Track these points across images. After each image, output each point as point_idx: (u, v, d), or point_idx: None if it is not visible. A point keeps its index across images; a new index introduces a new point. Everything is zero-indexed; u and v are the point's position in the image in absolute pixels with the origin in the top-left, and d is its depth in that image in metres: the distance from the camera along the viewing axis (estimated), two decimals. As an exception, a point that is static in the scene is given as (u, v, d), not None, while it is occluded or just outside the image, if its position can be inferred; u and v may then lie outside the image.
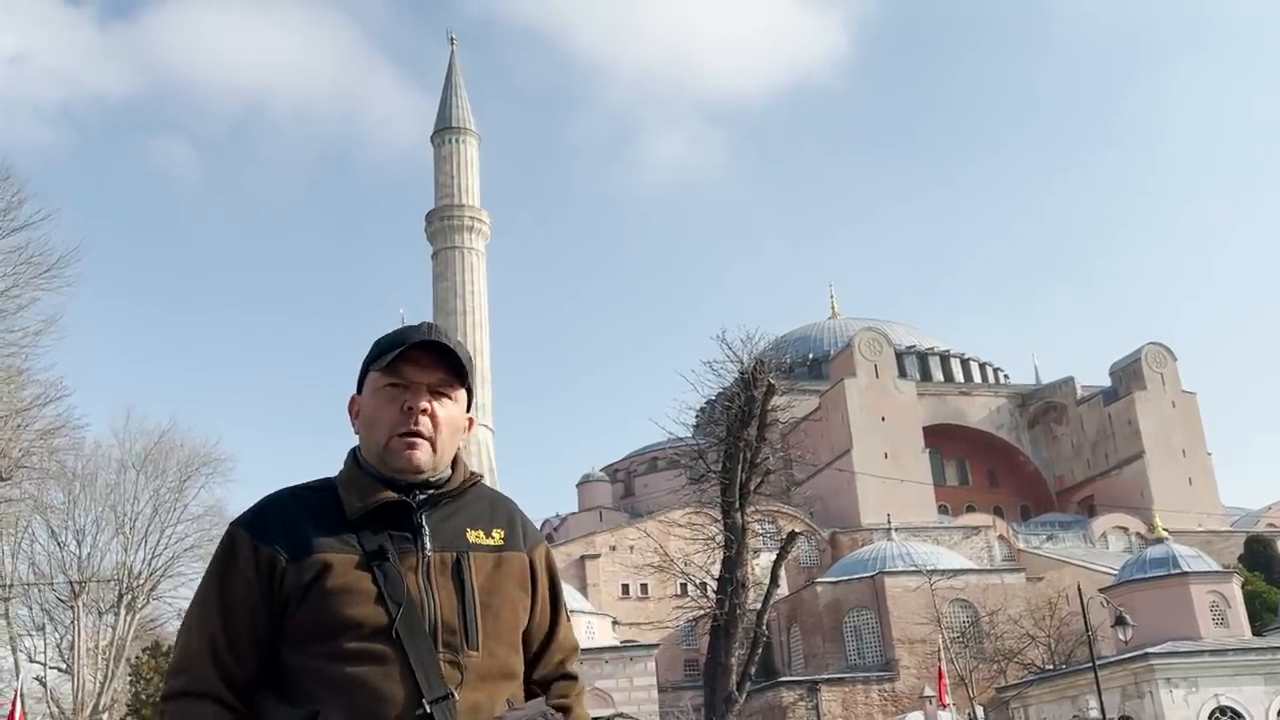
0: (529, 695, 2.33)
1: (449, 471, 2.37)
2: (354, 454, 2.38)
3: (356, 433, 2.39)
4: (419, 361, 2.30)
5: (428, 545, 2.25)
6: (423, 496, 2.30)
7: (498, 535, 2.35)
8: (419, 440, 2.28)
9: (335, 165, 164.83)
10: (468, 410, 2.42)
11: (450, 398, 2.34)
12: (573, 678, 2.48)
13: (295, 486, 2.38)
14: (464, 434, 2.41)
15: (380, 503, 2.26)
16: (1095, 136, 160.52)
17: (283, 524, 2.26)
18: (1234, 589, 41.65)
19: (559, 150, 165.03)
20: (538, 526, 2.57)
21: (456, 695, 2.14)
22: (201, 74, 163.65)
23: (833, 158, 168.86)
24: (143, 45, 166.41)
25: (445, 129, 70.86)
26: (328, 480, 2.38)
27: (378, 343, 2.36)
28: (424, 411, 2.29)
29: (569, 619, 2.52)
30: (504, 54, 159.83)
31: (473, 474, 2.42)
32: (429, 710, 2.10)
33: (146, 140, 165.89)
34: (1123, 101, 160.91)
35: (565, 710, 2.40)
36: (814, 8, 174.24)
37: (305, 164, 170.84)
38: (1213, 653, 38.58)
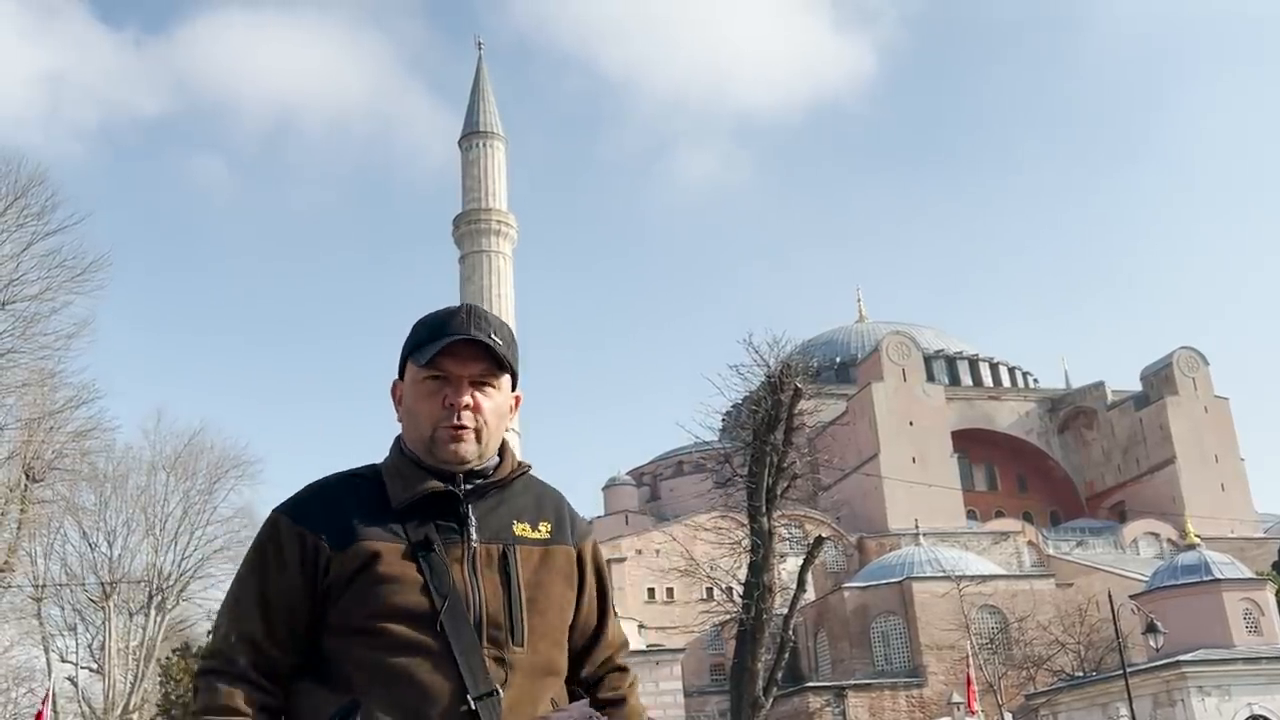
0: (572, 695, 2.28)
1: (496, 459, 2.31)
2: (399, 442, 2.31)
3: (399, 420, 2.32)
4: (458, 354, 2.22)
5: (474, 537, 2.19)
6: (469, 486, 2.24)
7: (545, 528, 2.28)
8: (465, 432, 2.21)
9: (368, 180, 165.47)
10: (514, 389, 2.34)
11: (494, 386, 2.27)
12: (624, 669, 2.41)
13: (340, 473, 2.31)
14: (511, 414, 2.34)
15: (426, 492, 2.20)
16: (1128, 145, 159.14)
17: (327, 511, 2.20)
18: (1268, 596, 41.18)
19: (589, 165, 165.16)
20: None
21: (501, 692, 2.08)
22: (235, 91, 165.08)
23: (862, 172, 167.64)
24: (177, 63, 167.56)
25: (473, 133, 70.92)
26: (373, 467, 2.31)
27: (415, 329, 2.28)
28: (467, 406, 2.22)
29: (617, 614, 2.45)
30: (537, 74, 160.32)
31: (521, 463, 2.34)
32: (474, 707, 2.05)
33: (181, 156, 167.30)
34: (1155, 111, 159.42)
35: (621, 701, 2.36)
36: (845, 29, 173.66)
37: (338, 179, 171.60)
38: (1246, 660, 38.15)
